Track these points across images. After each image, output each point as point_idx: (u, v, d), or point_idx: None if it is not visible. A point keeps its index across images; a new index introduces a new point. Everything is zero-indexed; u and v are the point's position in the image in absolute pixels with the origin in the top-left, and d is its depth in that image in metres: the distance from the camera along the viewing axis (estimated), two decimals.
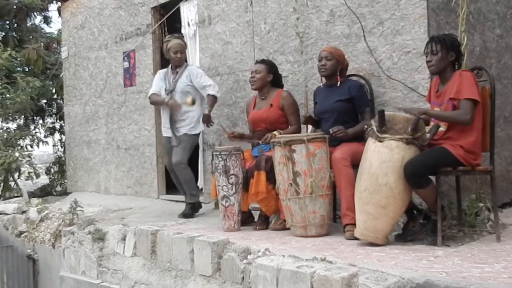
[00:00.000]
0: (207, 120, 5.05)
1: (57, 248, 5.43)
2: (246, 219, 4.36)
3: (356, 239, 3.41)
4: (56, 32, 11.20)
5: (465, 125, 3.25)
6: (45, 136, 9.77)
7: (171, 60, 5.20)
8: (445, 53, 3.35)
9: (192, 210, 5.09)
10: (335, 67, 4.04)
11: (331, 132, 3.83)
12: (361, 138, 3.88)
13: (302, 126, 4.39)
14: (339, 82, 4.06)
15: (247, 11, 5.21)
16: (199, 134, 5.31)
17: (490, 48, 4.55)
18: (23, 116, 9.63)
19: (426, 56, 3.43)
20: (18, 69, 9.66)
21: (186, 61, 5.38)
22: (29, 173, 8.03)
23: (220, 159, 4.14)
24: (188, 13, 5.82)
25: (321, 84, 4.23)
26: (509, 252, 2.99)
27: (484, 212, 3.69)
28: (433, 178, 3.30)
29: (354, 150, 3.72)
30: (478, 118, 3.30)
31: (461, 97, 3.24)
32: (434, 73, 3.47)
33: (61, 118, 9.14)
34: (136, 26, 6.66)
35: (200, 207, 5.20)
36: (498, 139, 4.17)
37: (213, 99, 5.07)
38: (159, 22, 6.21)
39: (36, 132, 9.76)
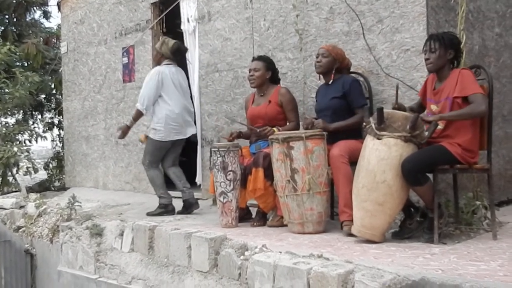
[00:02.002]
0: (124, 131, 5.16)
1: (55, 243, 5.43)
2: (244, 216, 4.37)
3: (354, 236, 3.42)
4: (55, 27, 11.20)
5: (483, 116, 3.29)
6: (43, 131, 9.77)
7: None
8: (443, 51, 3.36)
9: (160, 210, 4.96)
10: (330, 65, 4.03)
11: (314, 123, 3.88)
12: (359, 135, 3.89)
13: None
14: (331, 80, 4.05)
15: (247, 8, 5.21)
16: (160, 140, 4.98)
17: (489, 47, 4.56)
18: (22, 111, 9.64)
19: (425, 54, 3.44)
20: (17, 63, 9.67)
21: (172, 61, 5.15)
22: (27, 168, 8.03)
23: (218, 156, 4.14)
24: (187, 9, 5.81)
25: (319, 81, 4.23)
26: (505, 250, 3.01)
27: (481, 210, 3.70)
28: (430, 176, 3.31)
29: (352, 147, 3.73)
30: None
31: (468, 94, 3.25)
32: (431, 71, 3.47)
33: (60, 113, 9.14)
34: (135, 21, 6.66)
35: (172, 211, 4.99)
36: (496, 138, 4.19)
37: (136, 112, 5.09)
38: (158, 18, 6.21)
39: (34, 127, 9.76)
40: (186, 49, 5.36)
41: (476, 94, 3.23)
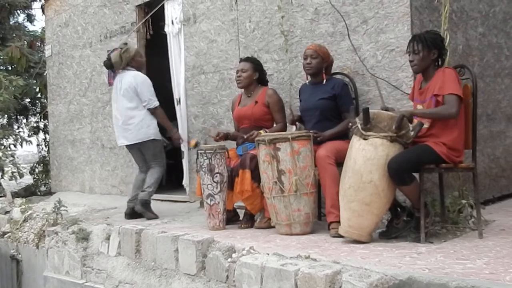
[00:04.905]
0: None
1: (41, 248, 5.37)
2: (231, 218, 4.36)
3: (341, 236, 3.42)
4: (39, 30, 11.12)
5: (452, 119, 3.28)
6: (29, 136, 9.69)
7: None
8: (427, 52, 3.37)
9: None
10: (320, 65, 4.05)
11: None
12: (345, 136, 3.90)
13: (290, 125, 4.40)
14: (324, 80, 4.07)
15: (232, 10, 5.20)
16: None
17: (472, 46, 4.59)
18: (6, 115, 9.54)
19: (409, 55, 3.45)
20: (1, 67, 9.61)
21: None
22: (12, 173, 7.93)
23: (205, 158, 4.12)
24: (172, 11, 5.79)
25: (307, 81, 4.23)
26: (491, 248, 3.03)
27: (467, 209, 3.72)
28: (416, 175, 3.32)
29: (339, 148, 3.73)
30: (460, 115, 3.33)
31: (444, 93, 3.27)
32: (416, 72, 3.49)
33: (45, 117, 9.06)
34: (120, 24, 6.62)
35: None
36: (480, 137, 4.23)
37: None
38: (143, 20, 6.18)
39: (19, 132, 9.68)
40: (108, 60, 5.19)
41: (451, 95, 3.24)
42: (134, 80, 5.01)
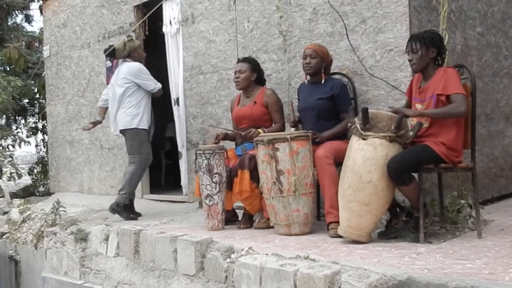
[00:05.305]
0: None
1: (40, 249, 5.37)
2: (230, 218, 4.35)
3: (340, 237, 3.41)
4: (38, 31, 11.10)
5: (461, 117, 3.30)
6: (27, 136, 9.69)
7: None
8: (426, 50, 3.37)
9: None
10: (319, 65, 4.04)
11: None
12: (344, 136, 3.90)
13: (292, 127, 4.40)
14: (323, 80, 4.06)
15: (230, 10, 5.20)
16: None
17: (471, 46, 4.59)
18: (4, 116, 9.53)
19: (408, 55, 3.45)
20: (0, 68, 9.57)
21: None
22: (11, 173, 7.92)
23: (204, 158, 4.12)
24: (170, 12, 5.78)
25: (305, 81, 4.23)
26: (490, 248, 3.02)
27: (466, 209, 3.72)
28: (415, 175, 3.32)
29: (337, 148, 3.73)
30: None
31: (449, 92, 3.27)
32: (416, 71, 3.48)
33: (44, 117, 9.05)
34: (119, 24, 6.62)
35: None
36: (479, 136, 4.23)
37: None
38: (141, 21, 6.17)
39: (18, 132, 9.67)
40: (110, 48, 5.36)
41: (458, 94, 3.24)
42: (129, 69, 5.11)
